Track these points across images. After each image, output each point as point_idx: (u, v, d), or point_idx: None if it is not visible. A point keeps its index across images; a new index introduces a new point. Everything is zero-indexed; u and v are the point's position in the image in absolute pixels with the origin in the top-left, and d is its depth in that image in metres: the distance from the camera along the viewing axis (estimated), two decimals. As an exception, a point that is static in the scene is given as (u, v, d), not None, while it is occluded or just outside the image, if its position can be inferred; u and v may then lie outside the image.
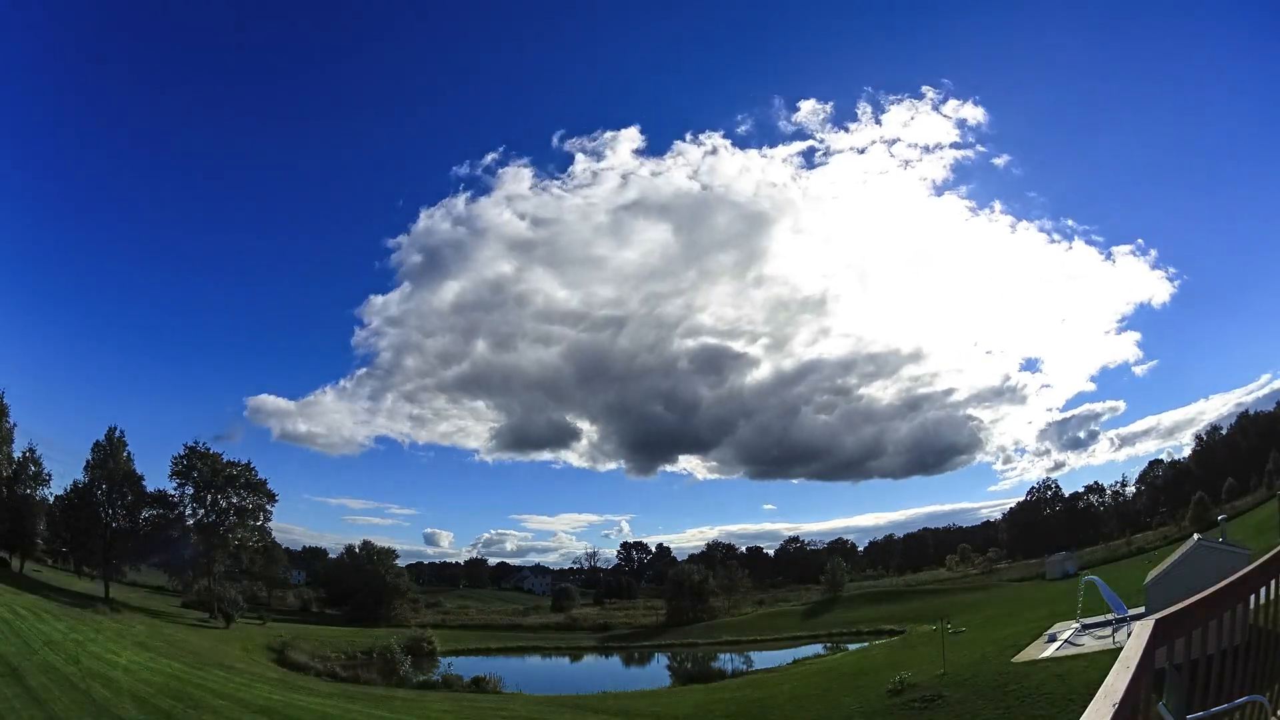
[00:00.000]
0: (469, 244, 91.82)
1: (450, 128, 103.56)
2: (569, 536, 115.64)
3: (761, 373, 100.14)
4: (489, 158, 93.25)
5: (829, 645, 48.45)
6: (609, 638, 59.87)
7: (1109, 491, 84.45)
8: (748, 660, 46.68)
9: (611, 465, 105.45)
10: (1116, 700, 2.60)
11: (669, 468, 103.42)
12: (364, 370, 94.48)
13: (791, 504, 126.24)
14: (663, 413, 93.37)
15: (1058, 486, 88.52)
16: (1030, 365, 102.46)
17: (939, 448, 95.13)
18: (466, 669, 43.32)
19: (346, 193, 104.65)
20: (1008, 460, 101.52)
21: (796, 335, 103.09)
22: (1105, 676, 2.92)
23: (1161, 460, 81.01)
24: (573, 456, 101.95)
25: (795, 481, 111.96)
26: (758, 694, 26.83)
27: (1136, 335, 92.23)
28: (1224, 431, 74.97)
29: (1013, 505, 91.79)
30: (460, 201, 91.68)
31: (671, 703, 27.45)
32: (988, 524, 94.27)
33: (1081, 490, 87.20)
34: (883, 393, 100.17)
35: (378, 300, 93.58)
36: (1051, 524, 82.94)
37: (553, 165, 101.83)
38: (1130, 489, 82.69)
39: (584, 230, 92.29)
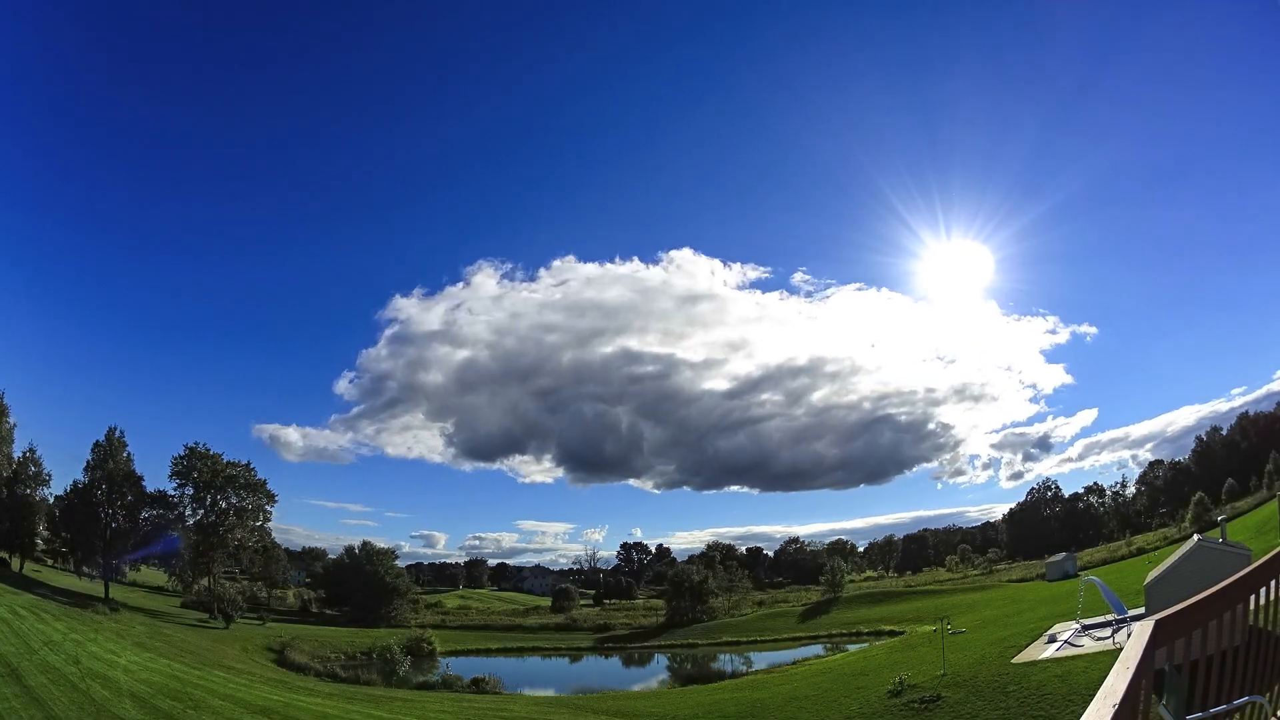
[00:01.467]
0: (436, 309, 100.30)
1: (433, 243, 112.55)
2: (554, 538, 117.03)
3: (697, 387, 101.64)
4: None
5: (829, 646, 48.41)
6: (609, 638, 59.83)
7: (1109, 492, 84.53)
8: (747, 661, 46.68)
9: (549, 478, 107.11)
10: (1116, 701, 2.61)
11: (610, 480, 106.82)
12: (356, 409, 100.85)
13: (766, 511, 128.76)
14: (596, 430, 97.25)
15: (1057, 487, 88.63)
16: (977, 383, 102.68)
17: (881, 458, 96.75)
18: (466, 669, 43.32)
19: (349, 266, 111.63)
20: (959, 473, 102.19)
21: (733, 352, 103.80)
22: (1105, 677, 2.93)
23: (1162, 461, 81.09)
24: (523, 469, 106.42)
25: (756, 493, 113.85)
26: (757, 695, 26.82)
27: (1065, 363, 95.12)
28: (1224, 432, 74.98)
29: (1012, 507, 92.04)
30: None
31: (671, 703, 27.43)
32: (988, 525, 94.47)
33: (1081, 491, 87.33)
34: (825, 404, 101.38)
35: (365, 352, 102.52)
36: (1051, 525, 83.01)
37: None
38: (1130, 489, 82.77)
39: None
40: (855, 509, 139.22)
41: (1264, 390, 75.14)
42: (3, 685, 21.87)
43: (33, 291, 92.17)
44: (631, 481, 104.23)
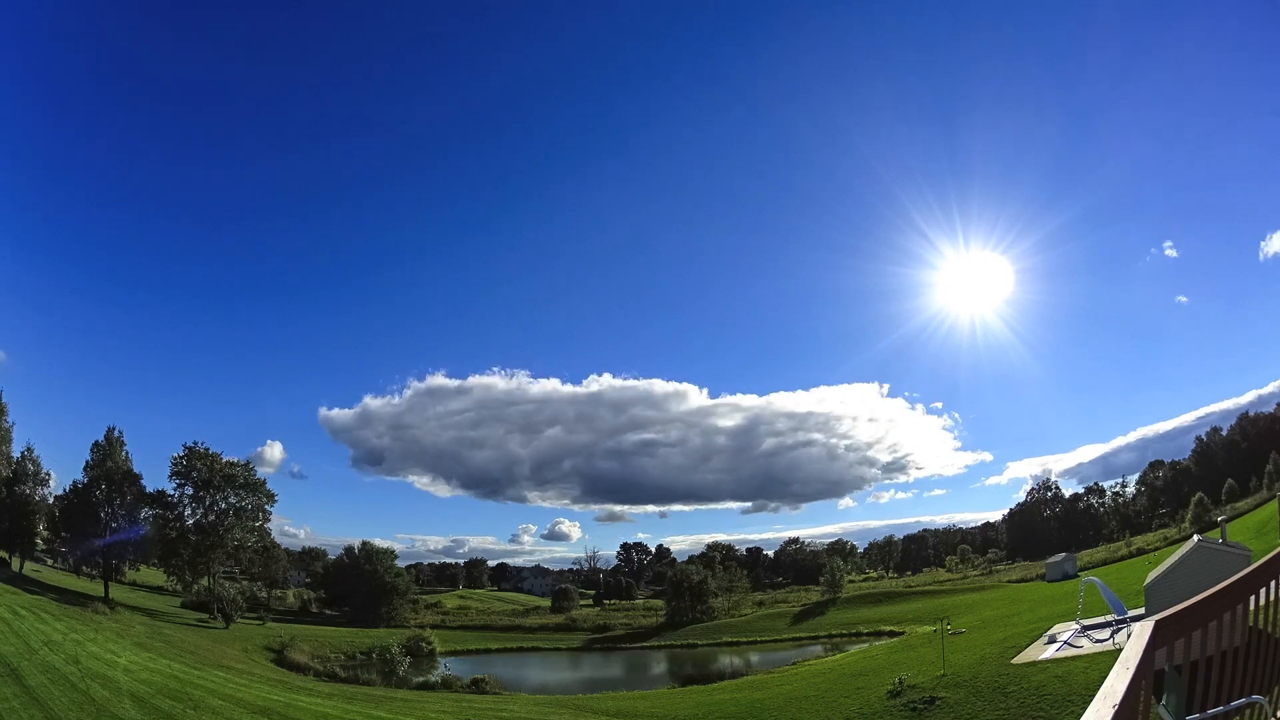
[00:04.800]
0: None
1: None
2: (533, 538, 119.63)
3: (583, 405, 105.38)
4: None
5: (828, 646, 48.42)
6: (608, 638, 59.85)
7: (1109, 493, 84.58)
8: (747, 661, 46.68)
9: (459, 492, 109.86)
10: (1116, 701, 2.61)
11: (512, 502, 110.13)
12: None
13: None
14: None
15: (1058, 487, 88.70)
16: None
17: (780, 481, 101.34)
18: (466, 669, 43.36)
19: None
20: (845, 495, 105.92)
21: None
22: (1105, 677, 2.92)
23: (1163, 461, 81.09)
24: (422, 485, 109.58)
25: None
26: (757, 695, 26.82)
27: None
28: (1224, 433, 74.98)
29: (1012, 507, 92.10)
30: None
31: (671, 703, 27.44)
32: (988, 525, 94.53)
33: (1081, 491, 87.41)
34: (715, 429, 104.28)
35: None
36: (1051, 525, 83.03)
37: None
38: (1130, 490, 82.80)
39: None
40: (824, 517, 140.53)
41: (1252, 393, 75.42)
42: (3, 685, 21.87)
43: (32, 291, 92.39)
44: (537, 502, 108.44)
